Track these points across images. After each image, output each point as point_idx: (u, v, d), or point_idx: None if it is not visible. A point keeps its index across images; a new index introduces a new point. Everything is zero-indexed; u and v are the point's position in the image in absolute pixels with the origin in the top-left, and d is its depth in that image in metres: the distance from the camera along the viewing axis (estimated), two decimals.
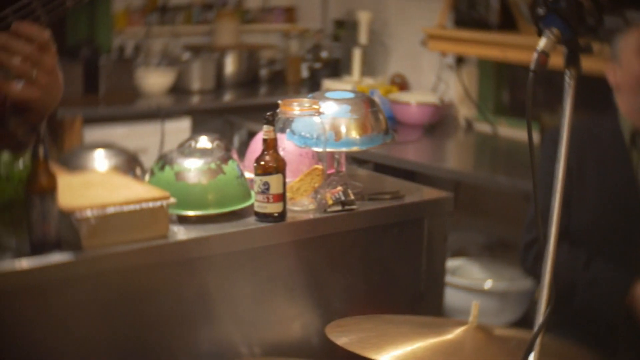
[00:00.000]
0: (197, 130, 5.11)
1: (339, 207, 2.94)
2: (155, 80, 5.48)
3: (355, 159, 3.54)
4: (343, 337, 2.63)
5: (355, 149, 3.08)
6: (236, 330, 2.82)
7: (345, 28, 6.21)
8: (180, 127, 5.07)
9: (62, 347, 2.51)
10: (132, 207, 2.55)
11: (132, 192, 2.63)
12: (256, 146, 3.01)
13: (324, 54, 6.25)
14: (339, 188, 2.95)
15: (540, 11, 1.90)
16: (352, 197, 2.96)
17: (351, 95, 3.17)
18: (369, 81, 5.84)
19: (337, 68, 6.19)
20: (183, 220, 2.78)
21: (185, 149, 2.96)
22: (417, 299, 3.19)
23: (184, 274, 2.70)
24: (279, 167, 2.76)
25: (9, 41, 1.60)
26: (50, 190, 2.42)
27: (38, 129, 1.82)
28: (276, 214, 2.79)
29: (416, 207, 3.19)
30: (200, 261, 2.72)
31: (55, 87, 1.72)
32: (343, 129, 3.05)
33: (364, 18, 5.95)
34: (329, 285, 2.99)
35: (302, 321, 2.95)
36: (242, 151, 3.34)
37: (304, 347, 2.95)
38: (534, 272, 3.58)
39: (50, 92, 1.71)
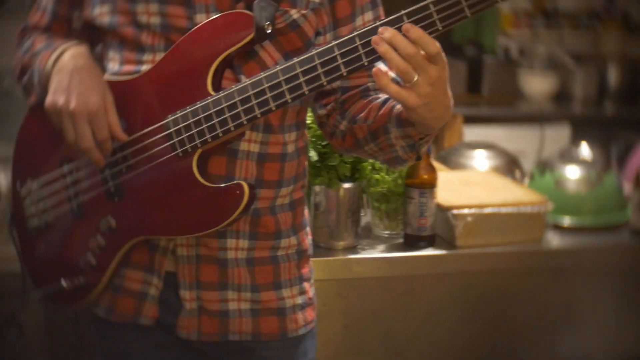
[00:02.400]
0: (576, 139, 5.02)
1: None
2: (537, 85, 5.44)
3: None
4: None
5: None
6: (597, 343, 2.74)
7: None
8: (559, 134, 4.99)
9: (421, 338, 2.55)
10: (510, 210, 2.54)
11: (511, 194, 2.62)
12: (637, 159, 2.91)
13: None
14: None
15: None
16: None
17: None
18: None
19: None
20: (557, 227, 2.74)
21: (566, 156, 2.91)
22: None
23: (553, 282, 2.65)
24: None
25: (396, 37, 1.56)
26: (430, 185, 2.45)
27: (417, 147, 1.75)
28: None
29: None
30: (570, 271, 2.66)
31: (438, 104, 1.61)
32: None
33: None
34: None
35: None
36: (620, 163, 3.24)
37: None
38: None
39: (432, 107, 1.61)
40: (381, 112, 1.77)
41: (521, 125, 4.95)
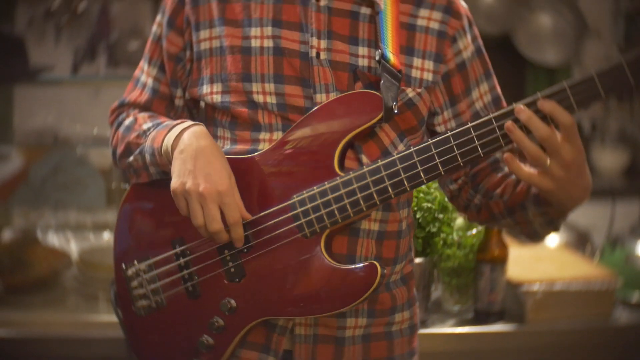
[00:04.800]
0: None
1: None
2: (609, 159, 5.43)
3: None
4: None
5: None
6: None
7: None
8: (630, 209, 4.97)
9: None
10: (579, 286, 2.55)
11: (581, 270, 2.64)
12: None
13: None
14: None
15: None
16: None
17: None
18: None
19: None
20: (627, 303, 2.73)
21: (637, 232, 2.92)
22: None
23: (621, 359, 2.64)
24: None
25: (532, 119, 1.58)
26: (501, 260, 2.48)
27: (556, 224, 1.79)
28: None
29: None
30: (639, 347, 2.65)
31: (574, 186, 1.63)
32: None
33: None
34: None
35: None
36: None
37: None
38: None
39: (568, 189, 1.63)
40: (517, 189, 1.79)
41: (592, 200, 4.94)
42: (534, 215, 1.76)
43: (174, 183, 1.68)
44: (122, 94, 1.97)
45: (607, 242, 2.88)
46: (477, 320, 2.52)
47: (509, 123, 1.61)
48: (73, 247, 2.95)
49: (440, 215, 2.50)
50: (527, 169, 1.62)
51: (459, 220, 2.56)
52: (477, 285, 2.50)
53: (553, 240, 3.01)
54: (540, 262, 2.69)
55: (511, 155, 1.62)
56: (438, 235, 2.48)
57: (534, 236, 1.84)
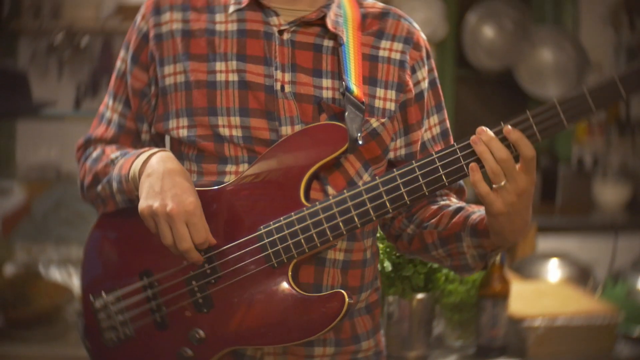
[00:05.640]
0: None
1: None
2: (610, 194, 5.43)
3: None
4: None
5: None
6: None
7: None
8: (633, 244, 4.97)
9: None
10: (581, 320, 2.55)
11: (582, 305, 2.63)
12: None
13: None
14: None
15: None
16: None
17: None
18: None
19: None
20: (628, 338, 2.73)
21: (639, 267, 2.92)
22: None
23: None
24: None
25: (492, 141, 1.61)
26: (503, 295, 2.47)
27: (487, 257, 1.79)
28: None
29: None
30: None
31: (519, 217, 1.66)
32: None
33: None
34: None
35: None
36: None
37: None
38: None
39: (513, 218, 1.65)
40: (454, 220, 1.80)
41: (594, 235, 4.94)
42: (468, 247, 1.78)
43: (142, 204, 1.69)
44: None
45: (609, 277, 2.88)
46: (479, 355, 2.52)
47: (473, 137, 1.63)
48: (75, 282, 2.95)
49: None
50: (487, 186, 1.63)
51: None
52: (479, 320, 2.50)
53: (555, 275, 3.01)
54: (542, 297, 2.69)
55: (477, 166, 1.63)
56: (440, 271, 2.48)
57: (464, 269, 1.84)
